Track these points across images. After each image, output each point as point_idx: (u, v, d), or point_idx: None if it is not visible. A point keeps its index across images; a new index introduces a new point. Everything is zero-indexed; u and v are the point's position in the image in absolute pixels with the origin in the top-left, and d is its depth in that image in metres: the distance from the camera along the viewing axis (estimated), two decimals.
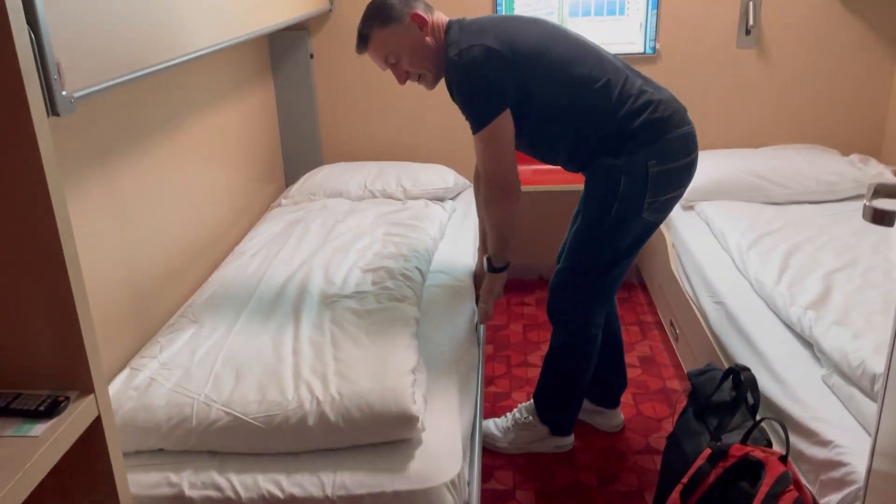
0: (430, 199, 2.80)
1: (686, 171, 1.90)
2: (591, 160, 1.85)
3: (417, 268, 2.15)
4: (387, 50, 1.80)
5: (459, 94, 1.76)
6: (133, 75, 1.36)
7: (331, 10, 2.98)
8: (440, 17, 1.84)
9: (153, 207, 1.96)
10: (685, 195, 2.80)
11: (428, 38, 1.80)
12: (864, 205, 0.96)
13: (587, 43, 1.86)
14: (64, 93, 1.13)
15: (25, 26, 0.95)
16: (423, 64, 1.82)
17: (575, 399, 2.15)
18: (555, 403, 2.16)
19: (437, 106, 3.10)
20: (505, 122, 1.74)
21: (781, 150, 2.96)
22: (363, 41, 1.81)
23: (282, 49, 2.97)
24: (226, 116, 2.49)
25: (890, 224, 0.94)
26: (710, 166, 2.85)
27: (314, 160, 3.14)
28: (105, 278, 1.71)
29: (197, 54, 1.65)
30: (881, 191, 1.00)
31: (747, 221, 2.51)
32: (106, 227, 1.73)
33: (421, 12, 1.78)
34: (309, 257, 2.24)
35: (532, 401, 2.20)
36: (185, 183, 2.16)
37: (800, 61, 2.99)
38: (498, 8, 2.97)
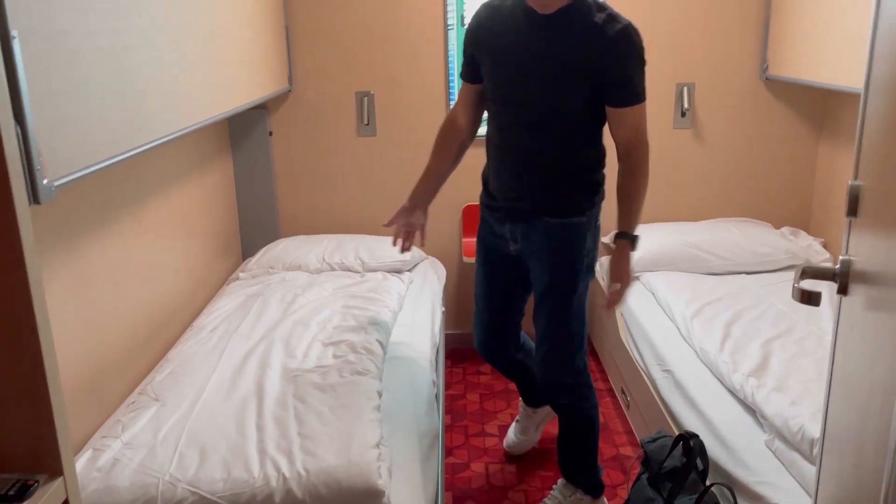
0: (388, 271, 2.87)
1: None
2: (565, 193, 1.94)
3: (378, 340, 2.20)
4: None
5: (628, 63, 1.81)
6: (108, 162, 1.41)
7: (290, 90, 3.09)
8: None
9: (114, 284, 1.98)
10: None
11: None
12: (793, 286, 1.07)
13: None
14: (45, 181, 1.18)
15: (13, 121, 1.00)
16: None
17: (596, 449, 2.20)
18: (589, 464, 2.18)
19: (393, 180, 3.21)
20: None
21: (718, 224, 3.14)
22: None
23: (241, 127, 3.05)
24: (187, 193, 2.53)
25: (816, 304, 1.05)
26: (653, 239, 3.00)
27: (272, 234, 3.19)
28: (64, 356, 1.71)
29: (165, 139, 1.71)
30: (808, 272, 1.11)
31: (690, 291, 2.65)
32: (66, 305, 1.73)
33: None
34: (269, 331, 2.27)
35: (564, 480, 2.20)
36: (145, 259, 2.18)
37: (732, 141, 3.21)
38: (448, 23, 3.12)
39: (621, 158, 1.91)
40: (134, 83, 1.54)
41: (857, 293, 1.08)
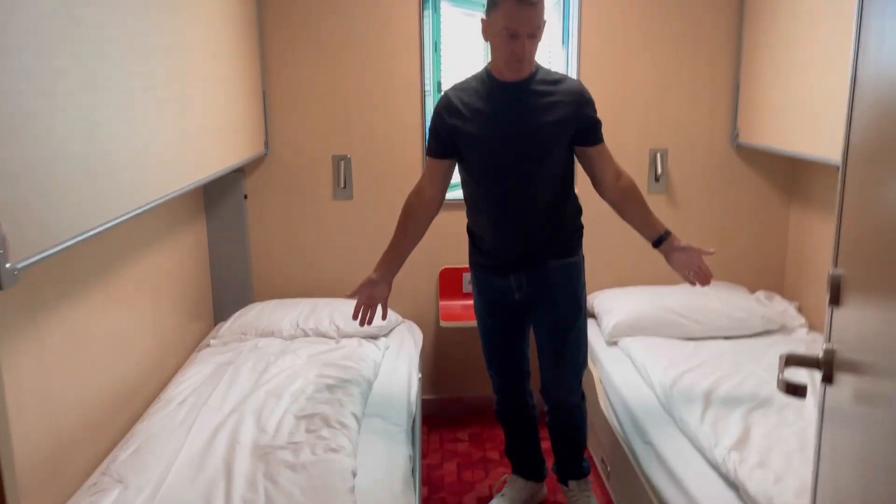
0: (363, 337, 2.81)
1: None
2: (563, 237, 2.20)
3: (353, 413, 2.14)
4: (541, 22, 1.97)
5: (592, 108, 2.12)
6: (77, 239, 1.37)
7: (266, 154, 3.08)
8: None
9: (77, 357, 1.90)
10: (609, 331, 2.94)
11: None
12: (778, 378, 1.05)
13: None
14: (8, 265, 1.13)
15: None
16: (535, 54, 2.04)
17: None
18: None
19: (369, 243, 3.18)
20: None
21: (694, 288, 3.14)
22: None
23: (216, 190, 3.01)
24: (158, 258, 2.48)
25: (803, 396, 1.03)
26: (630, 303, 3.00)
27: (245, 298, 3.13)
28: (23, 435, 1.63)
29: (138, 211, 1.68)
30: (791, 360, 1.10)
31: (668, 358, 2.63)
32: (26, 381, 1.66)
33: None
34: (240, 403, 2.19)
35: (584, 479, 2.46)
36: (113, 329, 2.12)
37: (705, 205, 3.25)
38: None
39: (614, 184, 2.18)
40: (106, 157, 1.51)
41: (844, 383, 1.06)
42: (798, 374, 1.18)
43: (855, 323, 1.05)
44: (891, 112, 0.95)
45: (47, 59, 1.27)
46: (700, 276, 2.21)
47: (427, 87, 3.08)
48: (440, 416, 3.30)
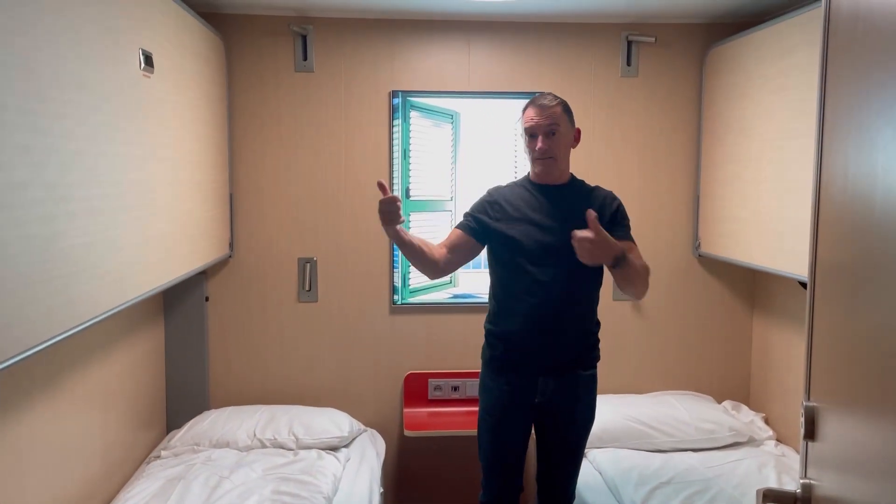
0: (323, 449, 2.70)
1: None
2: (588, 346, 2.28)
3: None
4: (556, 121, 2.17)
5: (623, 210, 2.29)
6: (27, 353, 1.30)
7: (230, 256, 3.04)
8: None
9: (10, 478, 1.77)
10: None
11: (571, 150, 2.27)
12: None
13: None
14: None
15: None
16: (560, 153, 2.22)
17: None
18: None
19: (333, 346, 3.11)
20: None
21: (662, 397, 3.12)
22: (565, 105, 2.22)
23: (176, 292, 2.94)
24: (110, 364, 2.37)
25: None
26: (599, 413, 2.94)
27: (201, 404, 2.99)
28: None
29: (92, 322, 1.61)
30: (769, 496, 1.06)
31: (637, 472, 2.56)
32: None
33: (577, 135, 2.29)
34: None
35: None
36: (57, 443, 1.99)
37: (670, 313, 3.26)
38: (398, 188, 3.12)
39: None
40: (61, 268, 1.46)
41: None
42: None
43: (833, 457, 1.02)
44: (860, 230, 0.96)
45: (6, 171, 1.24)
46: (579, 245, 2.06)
47: (395, 193, 3.10)
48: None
